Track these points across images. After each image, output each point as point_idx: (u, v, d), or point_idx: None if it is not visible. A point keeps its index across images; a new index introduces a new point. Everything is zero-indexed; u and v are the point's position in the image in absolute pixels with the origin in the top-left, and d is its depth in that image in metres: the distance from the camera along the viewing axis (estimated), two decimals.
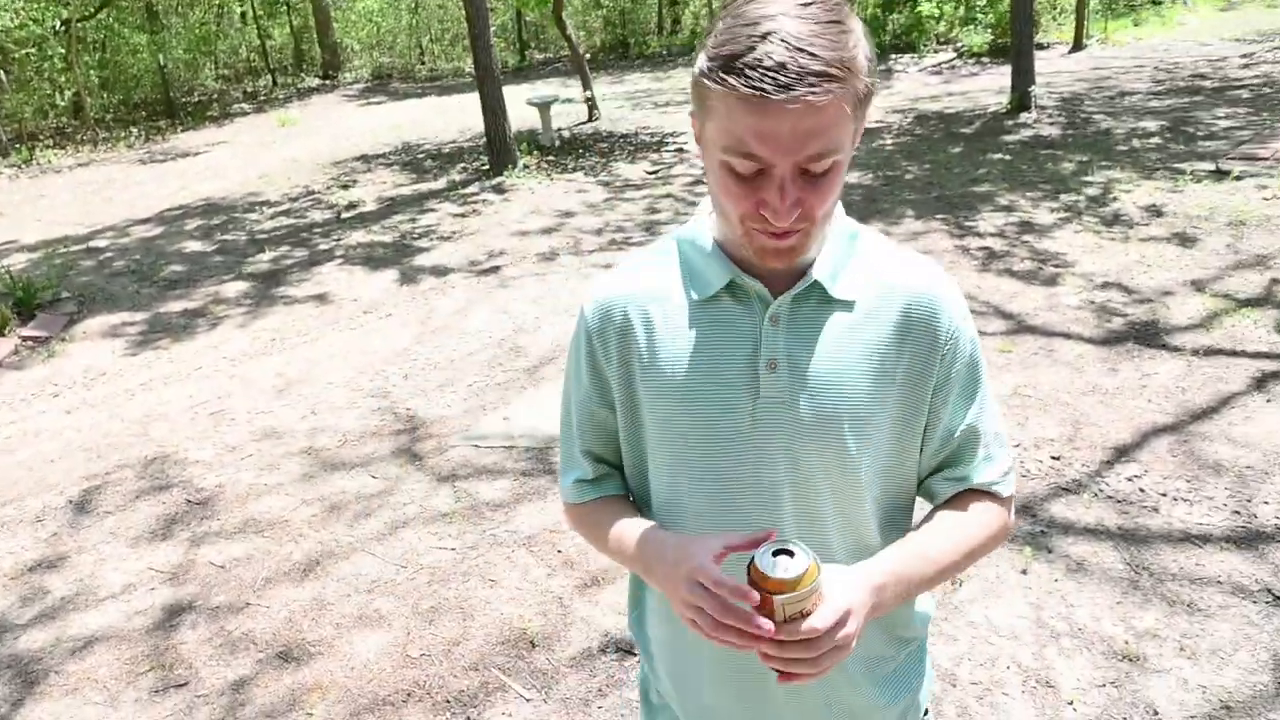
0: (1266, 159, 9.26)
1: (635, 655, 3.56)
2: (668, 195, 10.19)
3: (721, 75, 1.24)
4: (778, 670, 1.31)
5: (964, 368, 1.49)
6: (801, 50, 1.20)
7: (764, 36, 1.21)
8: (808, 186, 1.29)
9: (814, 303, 1.44)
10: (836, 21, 1.24)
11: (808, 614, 1.25)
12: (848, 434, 1.43)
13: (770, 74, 1.20)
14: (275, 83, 23.73)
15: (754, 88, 1.20)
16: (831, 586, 1.29)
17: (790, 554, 1.25)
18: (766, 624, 1.25)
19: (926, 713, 1.76)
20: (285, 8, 25.57)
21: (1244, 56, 15.44)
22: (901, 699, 1.65)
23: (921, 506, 1.63)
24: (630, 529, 1.54)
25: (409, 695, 3.49)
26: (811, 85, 1.20)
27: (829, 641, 1.26)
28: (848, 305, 1.44)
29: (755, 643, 1.28)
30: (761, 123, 1.23)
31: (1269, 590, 3.66)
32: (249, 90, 23.08)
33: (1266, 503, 4.18)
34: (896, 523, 1.56)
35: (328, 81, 23.46)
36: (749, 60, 1.21)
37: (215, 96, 22.33)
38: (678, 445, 1.49)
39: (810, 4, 1.24)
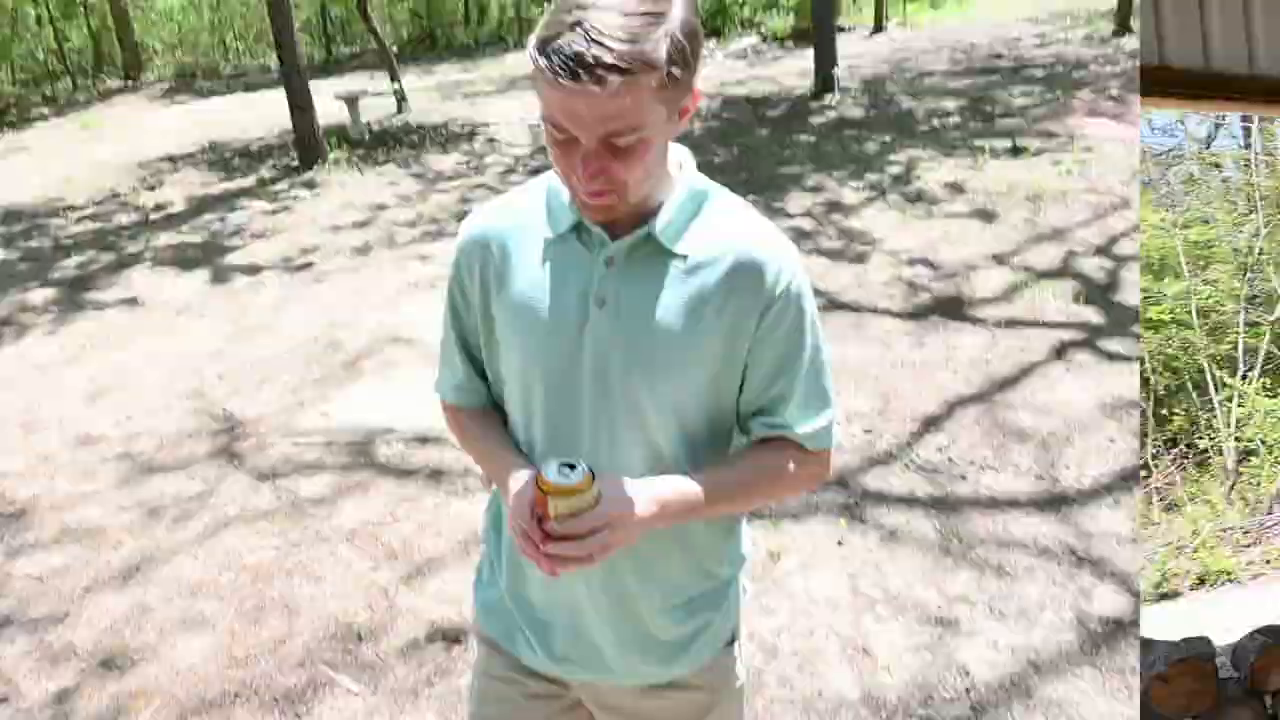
0: (1060, 135, 9.75)
1: (460, 644, 3.64)
2: (480, 185, 10.30)
3: (536, 54, 1.35)
4: (555, 567, 1.50)
5: (789, 324, 1.60)
6: (597, 42, 1.30)
7: (572, 26, 1.32)
8: (614, 158, 1.41)
9: (647, 252, 1.57)
10: (648, 13, 1.34)
11: (578, 515, 1.45)
12: (659, 372, 1.57)
13: (566, 61, 1.31)
14: (75, 85, 22.68)
15: (553, 71, 1.32)
16: (611, 494, 1.48)
17: (572, 467, 1.44)
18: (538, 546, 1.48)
19: (734, 641, 1.89)
20: (82, 8, 24.55)
21: (1037, 36, 16.06)
22: (689, 623, 1.79)
23: None
24: (492, 451, 1.75)
25: (236, 696, 3.50)
26: (598, 77, 1.31)
27: (595, 540, 1.45)
28: (680, 258, 1.57)
29: (532, 547, 1.48)
30: (565, 101, 1.35)
31: (1072, 551, 3.90)
32: (48, 94, 22.11)
33: (1068, 467, 4.46)
34: (707, 455, 1.68)
35: (130, 83, 22.59)
36: (554, 46, 1.32)
37: (12, 103, 21.31)
38: (520, 365, 1.65)
39: None
